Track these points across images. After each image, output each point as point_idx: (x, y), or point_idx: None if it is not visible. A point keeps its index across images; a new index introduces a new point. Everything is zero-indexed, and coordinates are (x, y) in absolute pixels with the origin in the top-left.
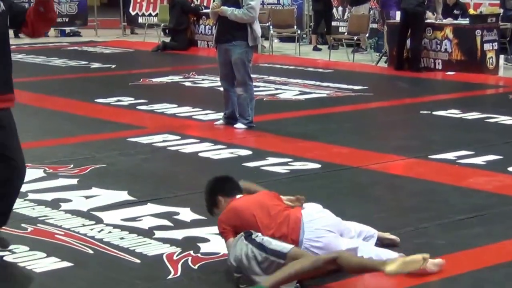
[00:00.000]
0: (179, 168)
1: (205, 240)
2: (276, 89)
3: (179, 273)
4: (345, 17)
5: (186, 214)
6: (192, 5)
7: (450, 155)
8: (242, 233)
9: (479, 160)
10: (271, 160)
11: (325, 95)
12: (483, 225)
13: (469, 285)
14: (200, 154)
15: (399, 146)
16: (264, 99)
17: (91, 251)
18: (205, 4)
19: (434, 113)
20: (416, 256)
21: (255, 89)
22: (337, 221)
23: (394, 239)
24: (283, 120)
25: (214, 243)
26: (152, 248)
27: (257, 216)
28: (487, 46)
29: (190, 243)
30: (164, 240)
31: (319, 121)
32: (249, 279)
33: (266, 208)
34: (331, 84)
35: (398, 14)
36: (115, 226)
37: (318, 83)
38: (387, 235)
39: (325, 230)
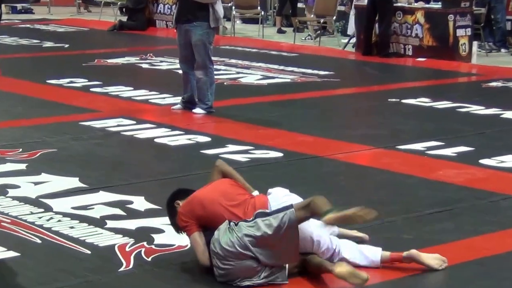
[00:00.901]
0: (134, 155)
1: (160, 231)
2: (238, 73)
3: (131, 265)
4: None
5: (140, 203)
6: None
7: (419, 146)
8: (226, 221)
9: (449, 151)
10: (231, 147)
11: (289, 80)
12: (452, 220)
13: (435, 283)
14: (156, 140)
15: (366, 135)
16: (225, 83)
17: (39, 241)
18: None
19: (403, 101)
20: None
21: (215, 72)
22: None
23: (362, 236)
24: (244, 105)
25: (169, 234)
26: (103, 238)
27: (224, 204)
28: (460, 32)
29: (144, 234)
30: (116, 230)
31: (283, 107)
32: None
33: (231, 196)
34: (295, 69)
35: None
36: (65, 215)
37: (282, 67)
38: (354, 232)
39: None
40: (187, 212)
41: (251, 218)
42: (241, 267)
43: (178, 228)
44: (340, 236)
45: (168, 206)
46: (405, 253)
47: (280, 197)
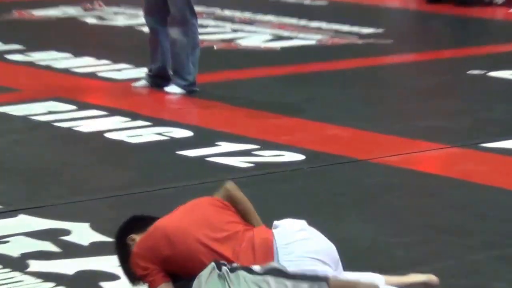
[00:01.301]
0: (73, 158)
1: (113, 277)
2: (235, 31)
3: None
4: None
5: (82, 233)
6: None
7: None
8: (212, 264)
9: None
10: (224, 146)
11: (314, 42)
12: None
13: None
14: (107, 136)
15: (434, 128)
16: (216, 47)
17: None
18: None
19: (490, 74)
20: None
21: (201, 30)
22: (330, 247)
23: (428, 281)
24: (244, 81)
25: (126, 282)
26: None
27: (204, 239)
28: None
29: (88, 282)
30: (45, 276)
31: (304, 84)
32: None
33: (215, 225)
34: (324, 25)
35: None
36: None
37: (303, 22)
38: (413, 277)
39: (310, 258)
40: (146, 253)
41: (257, 268)
42: None
43: (134, 278)
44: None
45: (118, 244)
46: None
47: (291, 233)
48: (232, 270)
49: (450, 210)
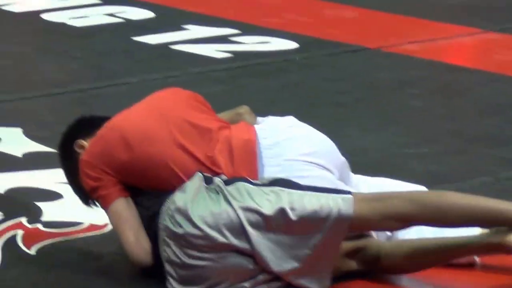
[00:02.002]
0: (2, 46)
1: (53, 195)
2: None
3: None
4: None
5: (14, 141)
6: None
7: None
8: (199, 174)
9: None
10: (194, 30)
11: None
12: None
13: None
14: (44, 17)
15: (464, 7)
16: None
17: None
18: None
19: None
20: None
21: None
22: (329, 146)
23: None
24: None
25: (71, 202)
26: None
27: (172, 140)
28: None
29: (22, 202)
30: None
31: None
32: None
33: (190, 123)
34: None
35: None
36: None
37: None
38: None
39: (303, 161)
40: (98, 160)
41: (260, 181)
42: (224, 265)
43: (86, 196)
44: None
45: (63, 153)
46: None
47: (277, 130)
48: (227, 182)
49: (482, 113)
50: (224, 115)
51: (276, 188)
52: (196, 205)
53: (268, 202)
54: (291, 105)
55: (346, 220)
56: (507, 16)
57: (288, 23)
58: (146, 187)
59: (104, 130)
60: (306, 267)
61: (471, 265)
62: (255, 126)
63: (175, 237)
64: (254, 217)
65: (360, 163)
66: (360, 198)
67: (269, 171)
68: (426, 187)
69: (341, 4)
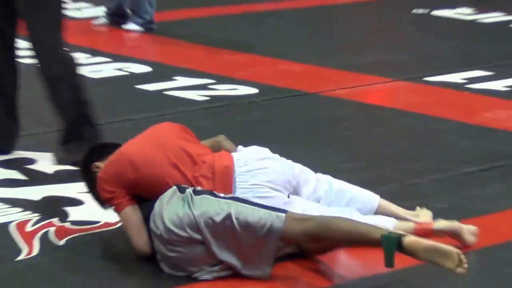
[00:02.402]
0: (36, 91)
1: (77, 202)
2: None
3: (35, 252)
4: None
5: (46, 162)
6: None
7: (457, 77)
8: (174, 187)
9: (499, 85)
10: (181, 81)
11: None
12: (504, 181)
13: (480, 266)
14: None
15: (381, 63)
16: None
17: None
18: None
19: (434, 12)
20: (450, 248)
21: None
22: (292, 174)
23: (423, 223)
24: (201, 19)
25: (91, 207)
26: None
27: (167, 162)
28: None
29: (53, 207)
30: (13, 202)
31: (258, 21)
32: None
33: (181, 150)
34: None
35: None
36: None
37: None
38: (415, 215)
39: (267, 187)
40: (111, 177)
41: (221, 194)
42: (194, 253)
43: (103, 202)
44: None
45: (84, 172)
46: (437, 224)
47: (251, 161)
48: (196, 193)
49: (394, 139)
50: (206, 142)
51: (230, 201)
52: (168, 209)
53: (221, 210)
54: (255, 135)
55: (277, 232)
56: (409, 69)
57: (251, 75)
58: (148, 196)
59: (115, 156)
60: (246, 262)
61: None
62: (233, 154)
63: (155, 235)
64: (207, 221)
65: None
66: (291, 217)
67: (240, 191)
68: None
69: (289, 61)
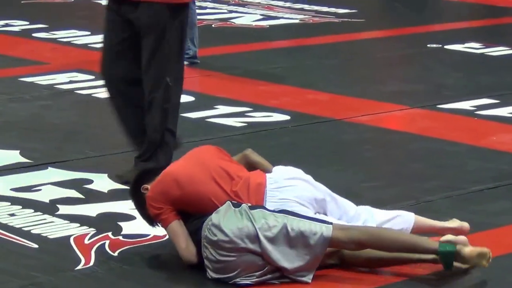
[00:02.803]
0: (93, 120)
1: (129, 217)
2: (230, 11)
3: (92, 262)
4: None
5: (102, 182)
6: None
7: (466, 105)
8: (228, 202)
9: (505, 111)
10: (222, 109)
11: (297, 20)
12: (509, 198)
13: (487, 275)
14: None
15: (399, 92)
16: (213, 26)
17: None
18: None
19: (446, 47)
20: (487, 250)
21: (199, 11)
22: (321, 196)
23: (460, 228)
24: (239, 54)
25: (141, 222)
26: (55, 228)
27: (209, 179)
28: None
29: (108, 222)
30: (72, 218)
31: (289, 56)
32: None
33: (219, 168)
34: (306, 6)
35: None
36: (3, 198)
37: (288, 4)
38: (451, 223)
39: (294, 201)
40: (158, 195)
41: (271, 209)
42: (243, 260)
43: (152, 220)
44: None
45: (134, 195)
46: (444, 238)
47: (281, 180)
48: (252, 207)
49: (411, 160)
50: (236, 157)
51: (282, 215)
52: (226, 221)
53: (276, 222)
54: (286, 157)
55: (327, 239)
56: (424, 98)
57: (283, 103)
58: (193, 211)
59: (161, 176)
60: (295, 266)
61: None
62: (267, 174)
63: (211, 242)
64: (266, 232)
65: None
66: (337, 227)
67: (269, 205)
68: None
69: (317, 91)
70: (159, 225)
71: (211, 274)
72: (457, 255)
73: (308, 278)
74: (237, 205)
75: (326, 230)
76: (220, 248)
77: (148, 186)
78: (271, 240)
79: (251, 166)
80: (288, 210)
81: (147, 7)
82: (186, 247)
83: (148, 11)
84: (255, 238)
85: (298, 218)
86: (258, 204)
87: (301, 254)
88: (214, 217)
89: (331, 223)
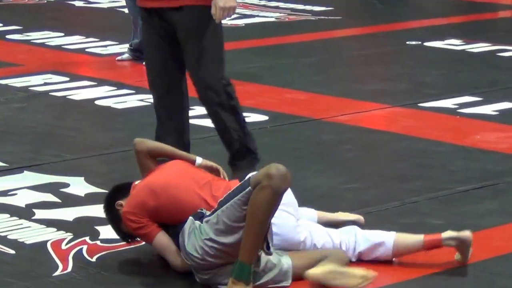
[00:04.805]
0: (68, 122)
1: (106, 221)
2: None
3: (69, 268)
4: None
5: (78, 186)
6: None
7: (448, 103)
8: (190, 218)
9: (489, 109)
10: (198, 110)
11: (273, 19)
12: (495, 199)
13: (476, 280)
14: (97, 103)
15: (379, 91)
16: None
17: None
18: None
19: (426, 44)
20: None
21: None
22: (292, 199)
23: (357, 220)
24: None
25: None
26: (31, 233)
27: (186, 186)
28: None
29: (85, 227)
30: (48, 223)
31: (266, 55)
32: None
33: (192, 175)
34: (281, 4)
35: None
36: None
37: (263, 2)
38: (344, 215)
39: (280, 210)
40: (136, 209)
41: (211, 210)
42: (224, 272)
43: (130, 236)
44: (323, 223)
45: (108, 212)
46: (447, 234)
47: None
48: (202, 219)
49: (393, 160)
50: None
51: (218, 212)
52: (187, 243)
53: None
54: (265, 157)
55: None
56: (405, 96)
57: (260, 103)
58: (173, 222)
59: (136, 190)
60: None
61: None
62: None
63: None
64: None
65: (313, 196)
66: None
67: None
68: (358, 211)
69: (295, 90)
70: (137, 239)
71: (200, 281)
72: None
73: (287, 282)
74: (197, 218)
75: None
76: (198, 269)
77: (123, 202)
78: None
79: (154, 154)
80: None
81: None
82: (176, 258)
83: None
84: (209, 253)
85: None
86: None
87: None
88: (180, 240)
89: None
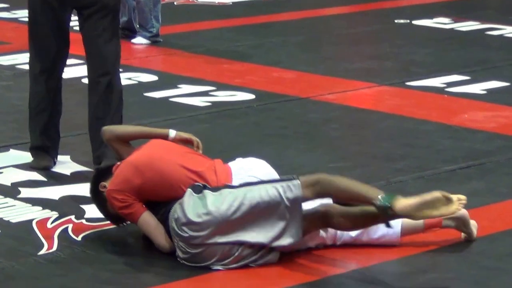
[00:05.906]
0: None
1: (91, 200)
2: None
3: (55, 247)
4: None
5: (64, 164)
6: None
7: (436, 81)
8: (189, 190)
9: (477, 88)
10: (185, 88)
11: None
12: (482, 179)
13: (460, 259)
14: (84, 81)
15: (366, 69)
16: (175, 3)
17: None
18: None
19: (414, 22)
20: (434, 195)
21: None
22: (269, 171)
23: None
24: (202, 32)
25: None
26: (17, 212)
27: (171, 161)
28: None
29: (71, 205)
30: (34, 201)
31: (253, 34)
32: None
33: (177, 151)
34: None
35: None
36: None
37: None
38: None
39: (253, 177)
40: (120, 187)
41: (235, 185)
42: (214, 250)
43: (117, 219)
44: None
45: (93, 195)
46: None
47: (242, 163)
48: (214, 189)
49: (380, 139)
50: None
51: (248, 186)
52: (189, 208)
53: (236, 200)
54: (252, 136)
55: (298, 200)
56: (392, 75)
57: (248, 82)
58: (157, 199)
59: (119, 169)
60: (274, 235)
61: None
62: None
63: (182, 239)
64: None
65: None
66: (304, 185)
67: (236, 181)
68: None
69: (282, 69)
70: (125, 223)
71: (182, 261)
72: (391, 209)
73: (296, 239)
74: (197, 190)
75: (294, 189)
76: (191, 244)
77: (106, 184)
78: (237, 219)
79: (124, 139)
80: (251, 182)
81: None
82: (161, 237)
83: None
84: (217, 224)
85: (262, 185)
86: (226, 181)
87: (274, 222)
88: (178, 211)
89: (297, 179)
